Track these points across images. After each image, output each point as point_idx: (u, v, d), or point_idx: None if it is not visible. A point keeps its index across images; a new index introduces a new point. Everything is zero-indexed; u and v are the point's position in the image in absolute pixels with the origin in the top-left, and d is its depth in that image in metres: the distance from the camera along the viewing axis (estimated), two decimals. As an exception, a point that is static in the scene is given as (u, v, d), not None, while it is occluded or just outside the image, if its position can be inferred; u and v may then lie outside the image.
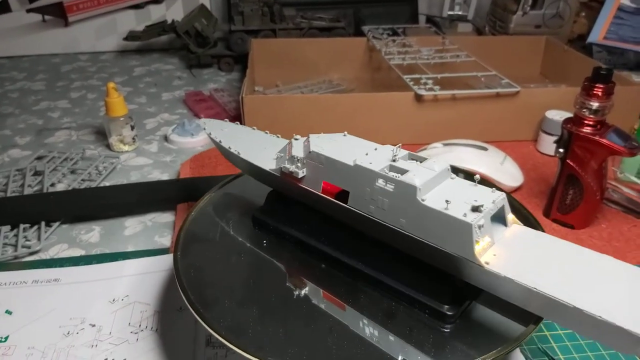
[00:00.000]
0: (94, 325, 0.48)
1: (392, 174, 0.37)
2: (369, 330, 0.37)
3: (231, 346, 0.35)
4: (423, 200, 0.36)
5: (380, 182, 0.38)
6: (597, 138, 0.56)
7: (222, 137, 0.52)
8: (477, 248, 0.34)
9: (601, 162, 0.57)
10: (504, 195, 0.37)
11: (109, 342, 0.46)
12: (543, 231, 0.46)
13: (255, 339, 0.36)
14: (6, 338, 0.47)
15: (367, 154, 0.40)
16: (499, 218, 0.37)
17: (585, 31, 1.22)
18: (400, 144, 0.41)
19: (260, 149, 0.50)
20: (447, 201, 0.35)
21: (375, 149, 0.41)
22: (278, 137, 0.51)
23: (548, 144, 0.78)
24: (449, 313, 0.37)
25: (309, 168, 0.43)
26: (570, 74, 1.00)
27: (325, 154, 0.42)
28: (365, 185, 0.39)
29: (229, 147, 0.50)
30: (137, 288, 0.52)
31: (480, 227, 0.34)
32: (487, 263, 0.34)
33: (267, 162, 0.47)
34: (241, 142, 0.51)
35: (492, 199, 0.36)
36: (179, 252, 0.45)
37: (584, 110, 0.57)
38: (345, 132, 0.45)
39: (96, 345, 0.46)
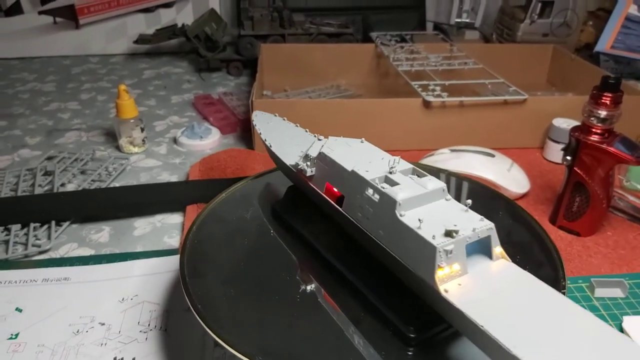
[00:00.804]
0: (103, 324, 0.49)
1: (381, 185, 0.37)
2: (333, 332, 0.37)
3: (234, 351, 0.35)
4: (402, 215, 0.35)
5: (369, 191, 0.38)
6: (604, 146, 0.56)
7: (264, 129, 0.54)
8: (440, 273, 0.33)
9: (608, 170, 0.58)
10: (491, 226, 0.34)
11: (118, 341, 0.47)
12: (548, 237, 0.47)
13: (259, 343, 0.36)
14: (16, 335, 0.48)
15: (370, 162, 0.40)
16: (484, 249, 0.35)
17: (592, 40, 1.22)
18: (399, 157, 0.41)
19: (292, 144, 0.51)
20: (420, 220, 0.34)
21: (382, 159, 0.42)
22: (315, 136, 0.52)
23: (555, 152, 0.78)
24: (411, 335, 0.36)
25: (317, 168, 0.45)
26: (577, 83, 1.00)
27: (331, 157, 0.43)
28: (357, 192, 0.40)
29: (265, 139, 0.52)
30: (146, 288, 0.53)
31: (447, 252, 0.32)
32: (446, 291, 0.32)
33: (291, 157, 0.49)
34: (278, 135, 0.52)
35: (475, 227, 0.34)
36: (185, 258, 0.44)
37: (592, 118, 0.57)
38: (363, 139, 0.45)
39: (105, 344, 0.47)
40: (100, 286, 0.53)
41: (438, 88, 0.82)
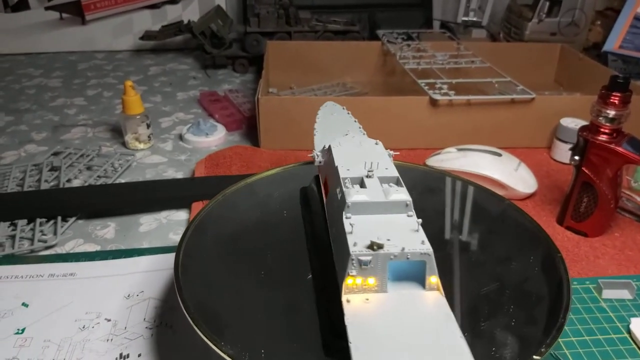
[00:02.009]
0: (109, 320, 0.49)
1: (348, 185, 0.38)
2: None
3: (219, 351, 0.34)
4: (347, 217, 0.35)
5: (338, 189, 0.38)
6: (613, 146, 0.56)
7: (322, 119, 0.54)
8: (349, 282, 0.32)
9: (616, 171, 0.57)
10: (426, 251, 0.32)
11: (124, 337, 0.47)
12: (548, 238, 0.47)
13: (247, 344, 0.36)
14: (23, 330, 0.48)
15: (363, 163, 0.40)
16: (417, 276, 0.33)
17: (600, 40, 1.22)
18: (392, 164, 0.41)
19: (334, 135, 0.50)
20: (352, 225, 0.34)
21: (379, 163, 0.41)
22: (364, 134, 0.51)
23: (562, 152, 0.78)
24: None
25: (325, 159, 0.46)
26: (585, 82, 1.00)
27: (333, 151, 0.43)
28: (335, 187, 0.40)
29: (315, 128, 0.52)
30: (152, 284, 0.53)
31: (363, 263, 0.32)
32: (348, 301, 0.32)
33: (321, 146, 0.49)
34: (330, 126, 0.52)
35: (406, 248, 0.32)
36: (180, 259, 0.44)
37: (601, 118, 0.57)
38: (379, 141, 0.45)
39: (111, 340, 0.47)
40: (106, 282, 0.54)
41: (445, 86, 0.82)
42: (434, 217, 0.53)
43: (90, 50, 1.36)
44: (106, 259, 0.57)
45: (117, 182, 0.73)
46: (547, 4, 1.17)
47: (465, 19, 1.40)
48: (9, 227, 0.62)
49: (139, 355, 0.45)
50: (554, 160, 0.80)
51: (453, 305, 0.40)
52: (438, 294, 0.32)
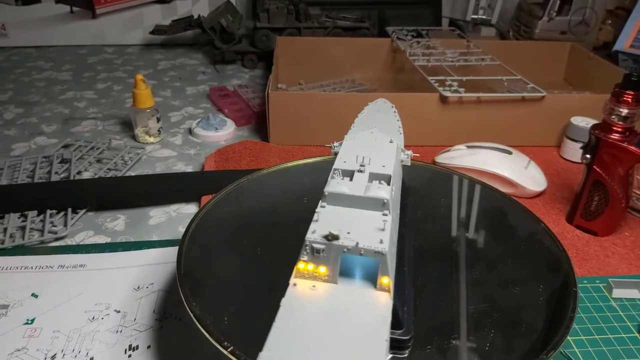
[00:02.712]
0: (118, 312, 0.49)
1: (334, 176, 0.38)
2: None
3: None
4: (322, 206, 0.36)
5: (328, 178, 0.39)
6: (625, 145, 0.56)
7: (366, 114, 0.55)
8: (300, 266, 0.32)
9: (628, 169, 0.57)
10: (379, 250, 0.31)
11: (134, 329, 0.47)
12: (558, 242, 0.47)
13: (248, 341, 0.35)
14: (32, 320, 0.48)
15: (364, 157, 0.40)
16: (370, 274, 0.33)
17: (610, 39, 1.21)
18: (393, 164, 0.41)
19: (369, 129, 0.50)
20: (317, 212, 0.34)
21: (372, 159, 0.41)
22: (401, 134, 0.51)
23: (572, 150, 0.78)
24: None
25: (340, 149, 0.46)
26: (595, 82, 0.99)
27: (343, 143, 0.44)
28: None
29: (353, 124, 0.52)
30: (162, 277, 0.53)
31: (315, 250, 0.32)
32: (294, 284, 0.32)
33: None
34: (368, 122, 0.52)
35: (363, 243, 0.31)
36: (182, 258, 0.44)
37: (613, 116, 0.56)
38: (392, 139, 0.45)
39: (121, 331, 0.47)
40: (116, 274, 0.54)
41: (455, 83, 0.81)
42: (438, 213, 0.53)
43: (100, 44, 1.36)
44: (116, 250, 0.57)
45: (127, 175, 0.74)
46: (558, 2, 1.16)
47: (475, 16, 1.39)
48: (19, 218, 0.62)
49: (148, 347, 0.45)
50: (564, 158, 0.80)
51: (459, 305, 0.40)
52: (387, 295, 0.32)
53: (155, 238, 0.60)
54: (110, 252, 0.57)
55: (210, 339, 0.35)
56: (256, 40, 1.21)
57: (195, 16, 1.28)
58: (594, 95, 0.83)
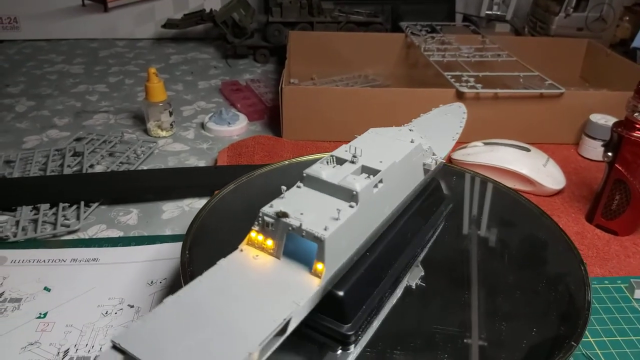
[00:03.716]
0: (132, 307, 0.48)
1: (324, 161, 0.39)
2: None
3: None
4: (298, 186, 0.37)
5: None
6: (649, 143, 0.55)
7: (431, 115, 0.55)
8: (252, 235, 0.34)
9: (651, 168, 0.56)
10: (320, 236, 0.32)
11: (147, 324, 0.46)
12: (571, 243, 0.46)
13: None
14: (45, 314, 0.47)
15: (368, 151, 0.40)
16: (308, 259, 0.33)
17: (628, 36, 1.19)
18: (394, 162, 0.40)
19: (423, 132, 0.50)
20: (284, 189, 0.35)
21: (384, 155, 0.41)
22: (454, 140, 0.51)
23: (591, 148, 0.76)
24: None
25: None
26: (612, 79, 0.98)
27: (364, 134, 0.44)
28: None
29: (411, 120, 0.53)
30: (175, 272, 0.52)
31: (265, 224, 0.33)
32: (241, 250, 0.34)
33: None
34: (428, 123, 0.52)
35: (306, 226, 0.32)
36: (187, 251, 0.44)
37: (636, 114, 0.55)
38: (415, 140, 0.44)
39: (134, 326, 0.46)
40: (129, 268, 0.53)
41: (472, 79, 0.80)
42: (453, 210, 0.52)
43: (111, 37, 1.36)
44: (129, 245, 0.57)
45: (139, 168, 0.73)
46: (575, -2, 1.15)
47: (489, 12, 1.38)
48: (31, 211, 0.62)
49: (163, 343, 0.45)
50: (582, 156, 0.79)
51: (470, 304, 0.39)
52: (317, 281, 0.32)
53: (168, 232, 0.60)
54: (123, 246, 0.56)
55: None
56: (268, 35, 1.20)
57: (207, 10, 1.27)
58: (613, 92, 0.81)
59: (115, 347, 0.27)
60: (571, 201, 0.67)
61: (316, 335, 0.35)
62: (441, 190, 0.50)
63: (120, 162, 0.73)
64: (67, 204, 0.63)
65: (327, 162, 0.39)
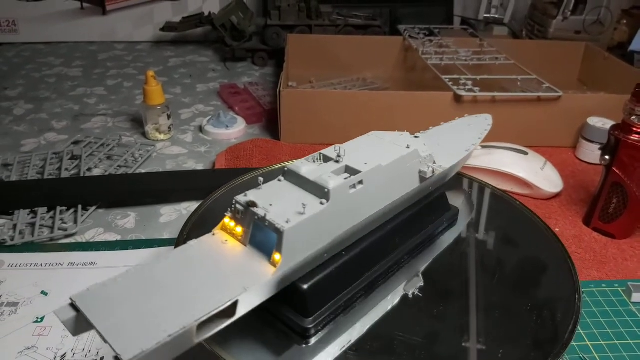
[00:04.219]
0: (129, 310, 0.48)
1: (310, 159, 0.39)
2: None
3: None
4: (279, 180, 0.38)
5: None
6: (646, 146, 0.55)
7: (452, 123, 0.55)
8: (226, 220, 0.35)
9: (648, 172, 0.56)
10: (280, 227, 0.32)
11: (145, 328, 0.46)
12: (562, 245, 0.46)
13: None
14: (42, 318, 0.47)
15: (357, 153, 0.40)
16: (271, 249, 0.33)
17: (626, 39, 1.19)
18: (380, 165, 0.40)
19: (435, 143, 0.50)
20: (260, 181, 0.36)
21: (373, 157, 0.41)
22: (467, 151, 0.51)
23: (588, 152, 0.77)
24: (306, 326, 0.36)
25: None
26: (610, 82, 0.98)
27: (363, 136, 0.45)
28: None
29: (429, 128, 0.53)
30: (173, 275, 0.52)
31: (237, 211, 0.35)
32: (213, 234, 0.35)
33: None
34: (446, 133, 0.52)
35: (270, 217, 0.33)
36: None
37: (634, 117, 0.55)
38: (409, 145, 0.43)
39: (131, 330, 0.46)
40: (127, 272, 0.53)
41: (469, 82, 0.80)
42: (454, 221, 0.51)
43: (110, 40, 1.36)
44: (127, 248, 0.56)
45: (137, 172, 0.73)
46: (573, 1, 1.15)
47: (487, 15, 1.38)
48: (29, 214, 0.62)
49: (160, 347, 0.45)
50: (579, 159, 0.79)
51: (469, 307, 0.39)
52: (272, 270, 0.33)
53: (166, 236, 0.60)
54: (120, 249, 0.56)
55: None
56: (267, 38, 1.20)
57: (206, 13, 1.27)
58: (611, 95, 0.82)
59: (72, 305, 0.29)
60: (569, 204, 0.67)
61: (280, 325, 0.37)
62: (445, 201, 0.49)
63: (118, 166, 0.73)
64: (64, 208, 0.63)
65: (314, 160, 0.39)
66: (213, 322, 0.30)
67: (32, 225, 0.60)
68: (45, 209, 0.62)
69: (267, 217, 0.33)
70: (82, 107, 0.95)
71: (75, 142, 0.80)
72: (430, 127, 0.54)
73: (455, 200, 0.52)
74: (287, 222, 0.33)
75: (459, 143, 0.51)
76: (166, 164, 0.76)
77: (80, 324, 0.29)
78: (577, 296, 0.40)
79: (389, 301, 0.40)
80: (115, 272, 0.52)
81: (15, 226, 0.59)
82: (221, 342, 0.34)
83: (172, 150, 0.80)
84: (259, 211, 0.33)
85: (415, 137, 0.47)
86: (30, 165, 0.72)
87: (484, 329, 0.38)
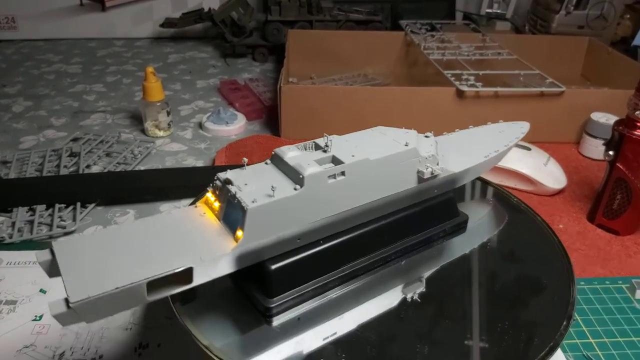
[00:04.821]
0: (128, 309, 0.48)
1: (302, 146, 0.40)
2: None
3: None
4: (266, 163, 0.39)
5: None
6: (650, 142, 0.54)
7: (481, 128, 0.54)
8: (208, 195, 0.37)
9: (653, 167, 0.55)
10: (245, 206, 0.33)
11: (144, 326, 0.46)
12: (557, 242, 0.45)
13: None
14: (40, 317, 0.47)
15: (355, 146, 0.40)
16: (235, 225, 0.35)
17: (629, 34, 1.18)
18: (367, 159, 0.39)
19: (453, 148, 0.49)
20: (245, 163, 0.38)
21: (363, 151, 0.40)
22: (486, 157, 0.50)
23: (592, 147, 0.76)
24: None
25: None
26: (613, 77, 0.97)
27: (366, 129, 0.45)
28: None
29: (457, 130, 0.53)
30: (172, 273, 0.52)
31: (217, 187, 0.36)
32: (195, 206, 0.37)
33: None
34: (470, 139, 0.51)
35: (239, 196, 0.34)
36: None
37: (638, 112, 0.54)
38: (408, 143, 0.43)
39: (130, 329, 0.46)
40: (126, 270, 0.53)
41: (472, 78, 0.80)
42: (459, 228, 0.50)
43: (109, 37, 1.35)
44: (125, 246, 0.56)
45: (136, 169, 0.73)
46: (576, -4, 1.14)
47: (489, 10, 1.38)
48: (27, 212, 0.61)
49: (159, 345, 0.44)
50: (583, 155, 0.78)
51: (465, 304, 0.39)
52: (233, 245, 0.34)
53: (165, 234, 0.59)
54: (119, 247, 0.56)
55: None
56: (267, 34, 1.20)
57: (206, 9, 1.27)
58: (614, 90, 0.81)
59: (50, 250, 0.32)
60: (572, 201, 0.66)
61: (247, 302, 0.38)
62: (453, 206, 0.47)
63: (117, 163, 0.73)
64: (63, 205, 0.62)
65: (306, 147, 0.40)
66: (169, 285, 0.32)
67: (31, 222, 0.59)
68: (44, 206, 0.62)
69: (237, 195, 0.34)
70: (81, 104, 0.95)
71: (74, 139, 0.80)
72: (457, 130, 0.52)
73: (478, 210, 0.51)
74: (253, 201, 0.34)
75: (480, 148, 0.49)
76: (165, 160, 0.75)
77: (54, 267, 0.32)
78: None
79: (386, 300, 0.39)
80: (114, 270, 0.52)
81: (13, 224, 0.59)
82: (192, 315, 0.36)
83: (171, 147, 0.79)
84: (232, 189, 0.35)
85: (426, 136, 0.46)
86: (29, 163, 0.72)
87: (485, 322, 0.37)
